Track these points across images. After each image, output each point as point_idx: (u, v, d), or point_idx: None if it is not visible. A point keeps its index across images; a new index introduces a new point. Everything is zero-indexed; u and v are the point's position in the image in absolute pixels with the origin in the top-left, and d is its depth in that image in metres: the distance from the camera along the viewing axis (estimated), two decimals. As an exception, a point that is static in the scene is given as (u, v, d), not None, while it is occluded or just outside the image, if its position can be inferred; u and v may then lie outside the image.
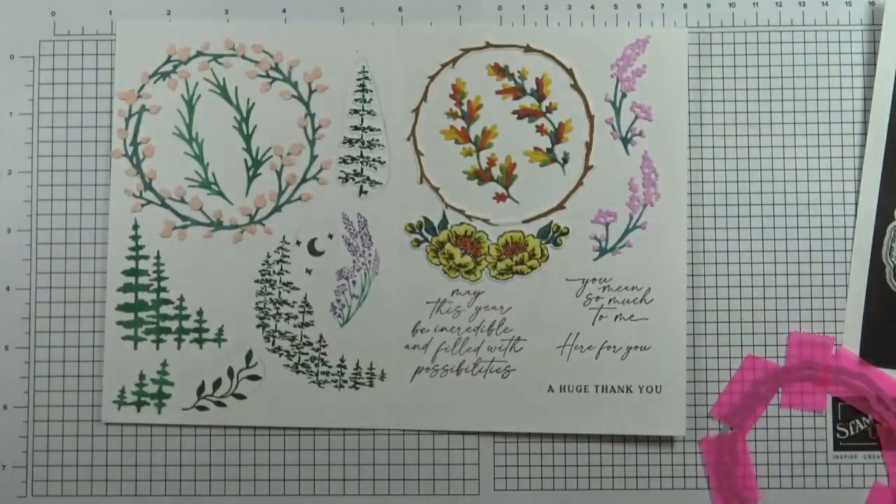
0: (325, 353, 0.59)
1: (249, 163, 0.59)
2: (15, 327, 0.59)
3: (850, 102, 0.60)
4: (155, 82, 0.60)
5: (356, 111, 0.59)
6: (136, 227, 0.59)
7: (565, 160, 0.59)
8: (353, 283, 0.59)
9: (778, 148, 0.60)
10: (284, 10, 0.60)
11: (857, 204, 0.59)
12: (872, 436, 0.58)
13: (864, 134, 0.59)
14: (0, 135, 0.60)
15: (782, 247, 0.59)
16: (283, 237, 0.59)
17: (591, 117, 0.59)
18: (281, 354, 0.59)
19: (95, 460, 0.59)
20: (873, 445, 0.58)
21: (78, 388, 0.59)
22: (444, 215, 0.59)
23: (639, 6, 0.60)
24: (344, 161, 0.59)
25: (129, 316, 0.59)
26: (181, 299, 0.59)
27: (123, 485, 0.59)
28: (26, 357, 0.59)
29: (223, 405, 0.59)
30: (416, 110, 0.59)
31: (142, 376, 0.59)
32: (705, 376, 0.59)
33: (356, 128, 0.59)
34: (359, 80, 0.59)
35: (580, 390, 0.58)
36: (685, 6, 0.60)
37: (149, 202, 0.59)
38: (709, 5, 0.60)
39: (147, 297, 0.59)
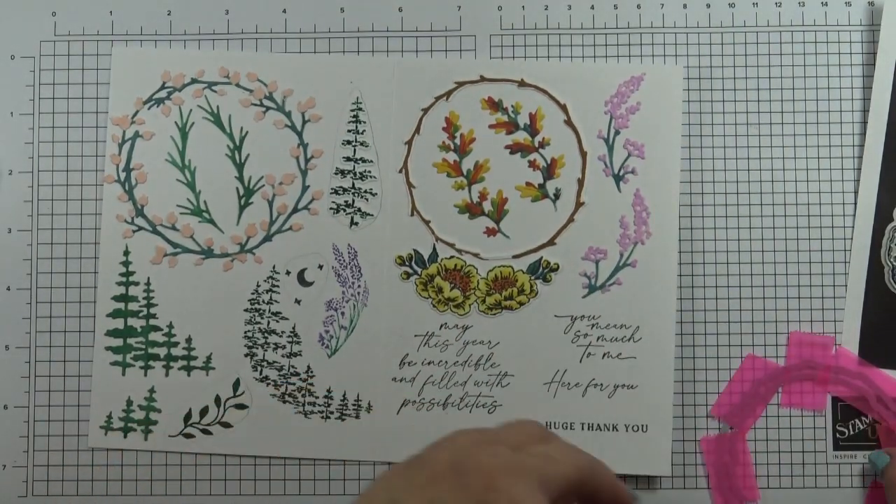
0: (312, 384, 0.59)
1: (241, 191, 0.59)
2: (15, 327, 0.59)
3: (849, 103, 0.60)
4: (149, 108, 0.60)
5: (349, 142, 0.59)
6: (126, 252, 0.59)
7: (557, 196, 0.59)
8: (342, 314, 0.59)
9: (778, 148, 0.59)
10: (285, 11, 0.60)
11: (855, 205, 0.59)
12: (872, 436, 0.58)
13: (864, 134, 0.59)
14: (0, 135, 0.60)
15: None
16: (273, 267, 0.59)
17: (583, 154, 0.59)
18: (268, 384, 0.59)
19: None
20: (873, 445, 0.58)
21: (78, 387, 0.59)
22: (434, 248, 0.59)
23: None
24: (335, 192, 0.59)
25: (118, 342, 0.59)
26: (170, 326, 0.59)
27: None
28: (26, 357, 0.59)
29: (209, 433, 0.59)
30: (409, 142, 0.59)
31: (129, 402, 0.59)
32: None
33: (348, 159, 0.59)
34: (352, 110, 0.59)
35: (566, 427, 0.58)
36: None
37: (140, 228, 0.59)
38: (708, 5, 0.60)
39: (136, 323, 0.59)
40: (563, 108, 0.59)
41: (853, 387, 0.57)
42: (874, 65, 0.59)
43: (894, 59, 0.58)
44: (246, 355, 0.59)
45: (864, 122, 0.59)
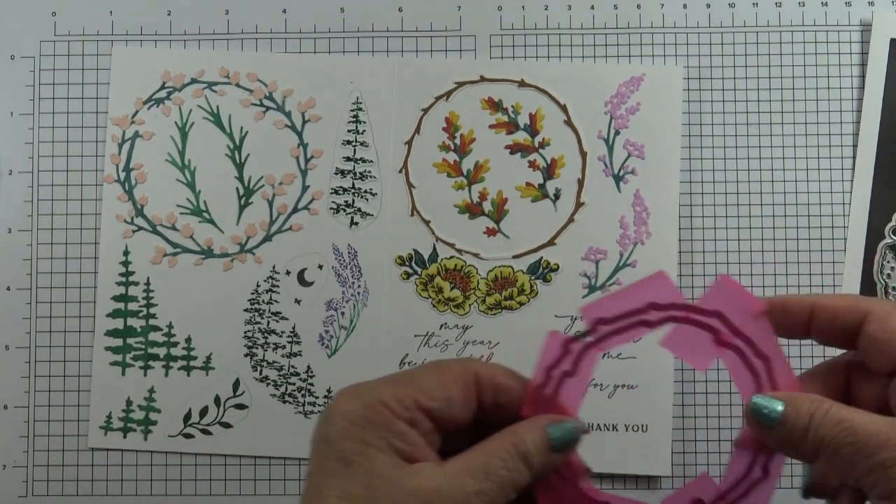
0: (312, 384, 0.59)
1: (241, 191, 0.59)
2: (15, 327, 0.59)
3: (849, 102, 0.60)
4: (149, 108, 0.60)
5: (349, 142, 0.59)
6: (126, 252, 0.59)
7: (557, 196, 0.59)
8: (342, 314, 0.59)
9: (777, 148, 0.60)
10: (284, 11, 0.60)
11: (846, 228, 0.59)
12: None
13: (856, 146, 0.59)
14: (0, 135, 0.60)
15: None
16: (273, 267, 0.59)
17: (583, 154, 0.59)
18: (268, 384, 0.59)
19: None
20: None
21: (78, 387, 0.59)
22: (434, 248, 0.59)
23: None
24: (335, 192, 0.59)
25: (118, 342, 0.59)
26: (170, 326, 0.59)
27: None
28: (26, 357, 0.59)
29: (209, 433, 0.59)
30: (409, 143, 0.59)
31: (129, 402, 0.59)
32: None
33: (348, 159, 0.59)
34: (352, 111, 0.59)
35: (566, 427, 0.58)
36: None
37: (140, 228, 0.59)
38: (708, 5, 0.60)
39: (136, 323, 0.59)
40: (563, 108, 0.59)
41: (756, 365, 0.39)
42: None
43: (882, 87, 0.59)
44: (246, 355, 0.59)
45: (856, 134, 0.60)
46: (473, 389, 0.37)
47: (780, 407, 0.36)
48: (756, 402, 0.36)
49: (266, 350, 0.59)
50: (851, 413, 0.34)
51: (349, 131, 0.59)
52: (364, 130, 0.59)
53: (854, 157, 0.59)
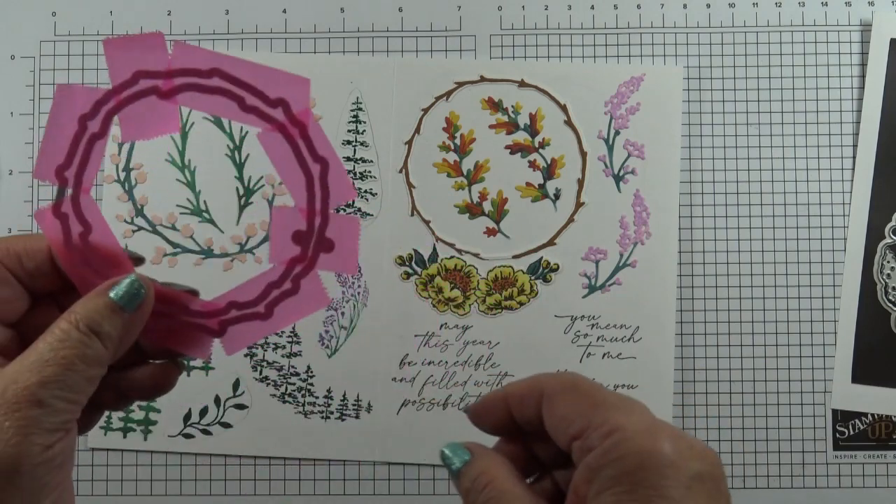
0: (312, 384, 0.59)
1: (241, 191, 0.59)
2: (13, 327, 0.59)
3: (849, 102, 0.60)
4: (149, 108, 0.60)
5: (349, 142, 0.59)
6: (126, 252, 0.59)
7: (557, 196, 0.59)
8: (342, 314, 0.59)
9: (777, 148, 0.60)
10: (284, 11, 0.60)
11: (846, 228, 0.59)
12: (872, 436, 0.58)
13: (856, 146, 0.59)
14: (0, 135, 0.60)
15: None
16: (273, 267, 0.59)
17: (583, 154, 0.59)
18: (268, 384, 0.59)
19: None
20: (873, 445, 0.58)
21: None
22: (434, 248, 0.59)
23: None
24: (335, 192, 0.59)
25: (118, 342, 0.59)
26: (170, 326, 0.59)
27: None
28: (24, 357, 0.59)
29: (209, 433, 0.59)
30: (409, 142, 0.59)
31: (129, 402, 0.59)
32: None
33: (349, 159, 0.59)
34: (352, 111, 0.59)
35: (566, 427, 0.58)
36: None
37: (140, 228, 0.59)
38: (708, 5, 0.60)
39: (136, 323, 0.59)
40: (564, 108, 0.59)
41: (211, 90, 0.38)
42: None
43: (882, 87, 0.59)
44: (246, 355, 0.59)
45: (856, 134, 0.60)
46: (2, 267, 0.36)
47: (456, 465, 0.35)
48: (444, 451, 0.36)
49: (266, 350, 0.59)
50: (513, 498, 0.33)
51: (349, 131, 0.59)
52: (364, 130, 0.59)
53: (854, 157, 0.59)
